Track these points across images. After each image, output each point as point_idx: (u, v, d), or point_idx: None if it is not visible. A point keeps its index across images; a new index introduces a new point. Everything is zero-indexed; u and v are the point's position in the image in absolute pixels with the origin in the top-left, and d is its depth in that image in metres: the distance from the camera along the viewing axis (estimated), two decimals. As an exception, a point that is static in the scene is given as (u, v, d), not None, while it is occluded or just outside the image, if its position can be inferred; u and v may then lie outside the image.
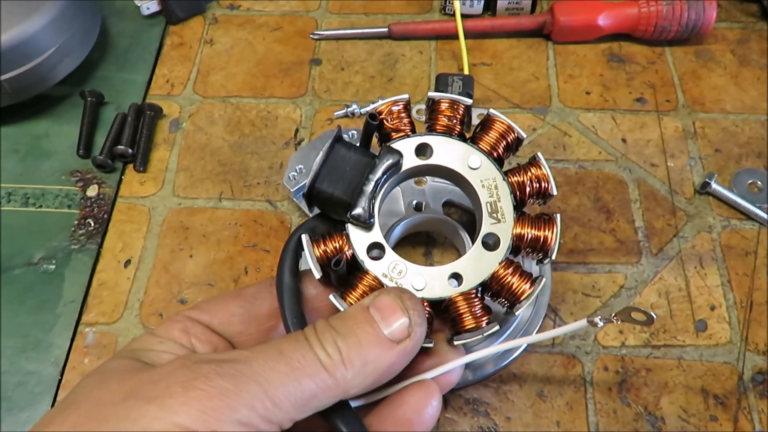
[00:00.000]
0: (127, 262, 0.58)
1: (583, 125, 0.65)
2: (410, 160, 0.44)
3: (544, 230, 0.43)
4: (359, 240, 0.42)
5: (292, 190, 0.57)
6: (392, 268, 0.42)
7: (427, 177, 0.58)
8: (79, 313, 0.55)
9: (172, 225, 0.60)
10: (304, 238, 0.42)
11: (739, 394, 0.51)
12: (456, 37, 0.69)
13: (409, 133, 0.45)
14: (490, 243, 0.43)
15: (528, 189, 0.44)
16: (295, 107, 0.67)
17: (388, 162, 0.42)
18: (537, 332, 0.52)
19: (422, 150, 0.45)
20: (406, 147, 0.44)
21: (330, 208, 0.43)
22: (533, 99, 0.67)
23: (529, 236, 0.43)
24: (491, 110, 0.46)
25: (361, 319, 0.36)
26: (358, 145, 0.44)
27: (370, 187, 0.41)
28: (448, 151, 0.44)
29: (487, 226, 0.43)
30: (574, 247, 0.58)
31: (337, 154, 0.42)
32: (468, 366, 0.51)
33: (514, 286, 0.42)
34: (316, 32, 0.73)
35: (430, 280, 0.42)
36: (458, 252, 0.57)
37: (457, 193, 0.58)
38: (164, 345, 0.37)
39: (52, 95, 0.68)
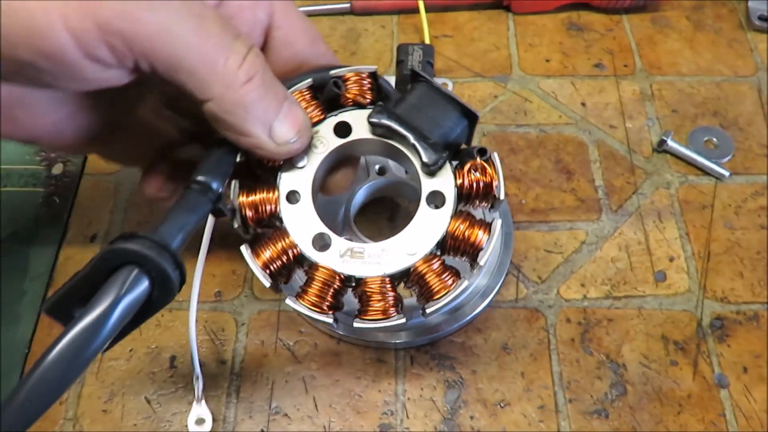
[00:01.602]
0: (94, 237, 0.58)
1: (544, 91, 0.66)
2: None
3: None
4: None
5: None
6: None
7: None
8: (46, 288, 0.55)
9: (138, 199, 0.60)
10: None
11: (698, 340, 0.52)
12: (417, 11, 0.70)
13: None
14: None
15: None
16: (260, 83, 0.68)
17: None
18: (499, 289, 0.53)
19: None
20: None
21: None
22: (494, 68, 0.68)
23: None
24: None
25: (279, 92, 0.38)
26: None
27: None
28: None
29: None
30: (536, 207, 0.59)
31: None
32: (432, 323, 0.51)
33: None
34: (279, 11, 0.74)
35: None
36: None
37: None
38: None
39: (16, 79, 0.68)
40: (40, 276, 0.56)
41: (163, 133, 0.46)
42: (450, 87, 0.66)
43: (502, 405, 0.49)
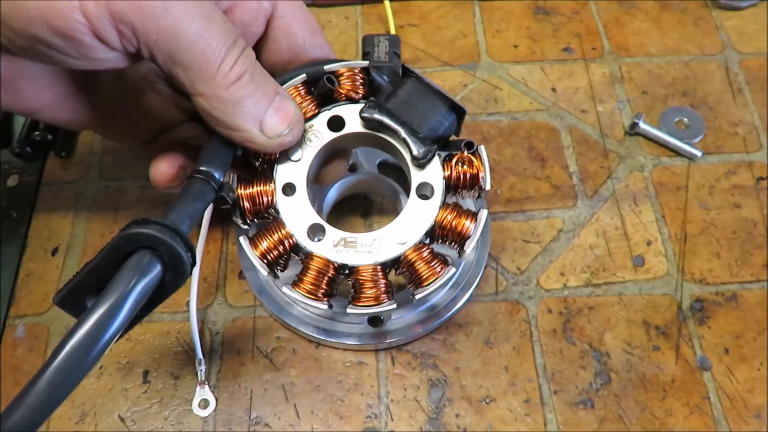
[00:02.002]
0: (55, 250, 0.55)
1: (513, 78, 0.65)
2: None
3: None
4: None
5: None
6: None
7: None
8: (8, 307, 0.53)
9: (101, 209, 0.57)
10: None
11: (679, 323, 0.51)
12: (381, 0, 0.68)
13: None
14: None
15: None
16: (222, 81, 0.66)
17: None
18: (479, 283, 0.52)
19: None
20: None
21: None
22: (462, 56, 0.67)
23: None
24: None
25: (271, 87, 0.39)
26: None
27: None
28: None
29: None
30: (512, 197, 0.58)
31: None
32: (414, 320, 0.50)
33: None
34: (238, 5, 0.71)
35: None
36: (397, 211, 0.56)
37: (390, 151, 0.57)
38: None
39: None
40: (1, 293, 0.53)
41: (164, 112, 0.46)
42: (418, 77, 0.65)
43: (487, 401, 0.49)
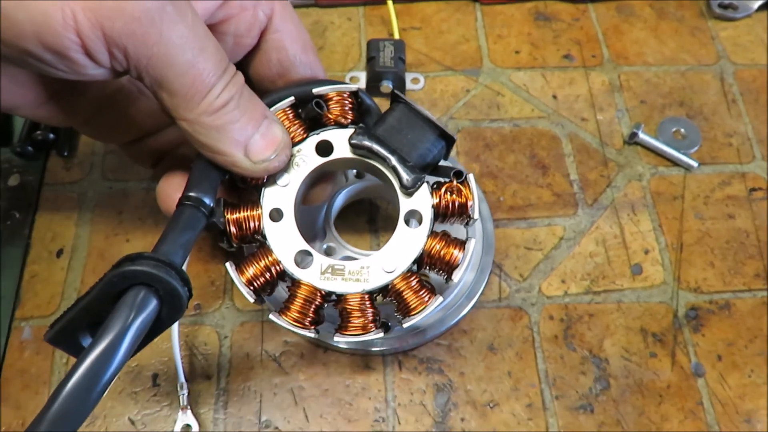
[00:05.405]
0: (60, 252, 0.55)
1: (515, 84, 0.66)
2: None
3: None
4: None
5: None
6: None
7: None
8: (13, 309, 0.52)
9: (105, 210, 0.57)
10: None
11: (674, 331, 0.53)
12: (384, 1, 0.68)
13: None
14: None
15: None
16: (225, 81, 0.65)
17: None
18: (483, 289, 0.53)
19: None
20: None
21: None
22: (465, 61, 0.67)
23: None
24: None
25: (258, 112, 0.39)
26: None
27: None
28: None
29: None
30: (514, 204, 0.59)
31: None
32: (419, 327, 0.51)
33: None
34: (240, 3, 0.71)
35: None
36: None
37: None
38: None
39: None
40: (5, 297, 0.53)
41: (149, 116, 0.46)
42: (422, 82, 0.65)
43: (491, 405, 0.50)
